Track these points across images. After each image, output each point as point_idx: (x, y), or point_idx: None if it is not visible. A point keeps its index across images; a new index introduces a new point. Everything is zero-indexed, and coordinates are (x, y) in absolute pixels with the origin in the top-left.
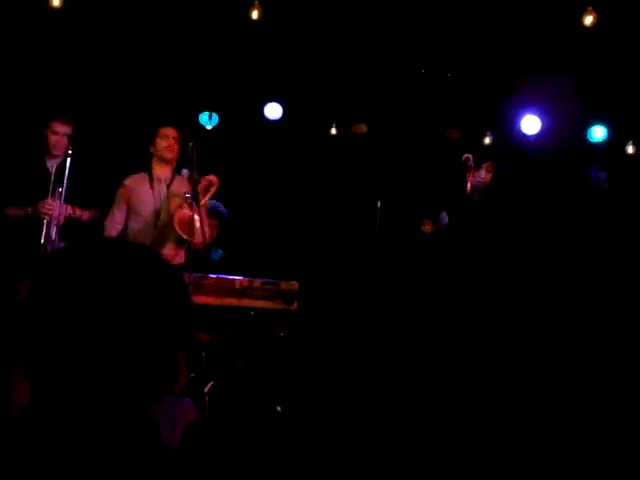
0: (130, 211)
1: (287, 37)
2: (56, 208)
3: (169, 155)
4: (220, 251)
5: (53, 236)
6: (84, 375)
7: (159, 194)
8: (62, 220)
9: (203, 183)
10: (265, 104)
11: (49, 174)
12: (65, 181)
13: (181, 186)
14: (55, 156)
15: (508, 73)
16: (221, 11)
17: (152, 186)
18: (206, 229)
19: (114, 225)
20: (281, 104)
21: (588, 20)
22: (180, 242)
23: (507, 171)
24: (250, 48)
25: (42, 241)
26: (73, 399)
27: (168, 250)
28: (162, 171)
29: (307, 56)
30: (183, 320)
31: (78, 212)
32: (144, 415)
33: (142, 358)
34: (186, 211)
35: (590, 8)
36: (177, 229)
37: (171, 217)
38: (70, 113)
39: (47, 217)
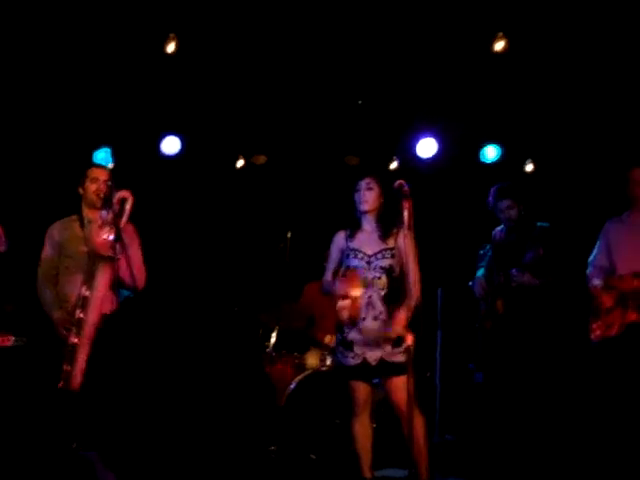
0: (62, 255)
1: (184, 68)
2: None
3: (99, 202)
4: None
5: None
6: None
7: (90, 236)
8: None
9: (116, 199)
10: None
11: None
12: None
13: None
14: None
15: (405, 99)
16: (116, 43)
17: (82, 228)
18: (135, 271)
19: (49, 270)
20: (180, 137)
21: (499, 46)
22: (112, 284)
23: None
24: (146, 80)
25: None
26: None
27: (100, 292)
28: (92, 214)
29: (204, 87)
30: None
31: None
32: None
33: None
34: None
35: (501, 34)
36: (98, 249)
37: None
38: None
39: None
